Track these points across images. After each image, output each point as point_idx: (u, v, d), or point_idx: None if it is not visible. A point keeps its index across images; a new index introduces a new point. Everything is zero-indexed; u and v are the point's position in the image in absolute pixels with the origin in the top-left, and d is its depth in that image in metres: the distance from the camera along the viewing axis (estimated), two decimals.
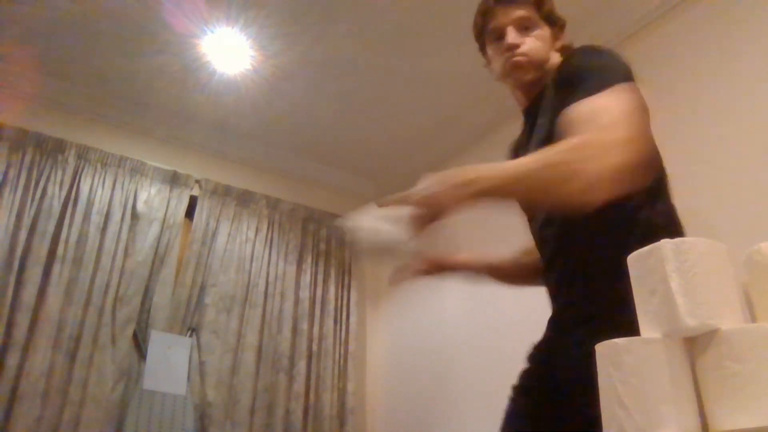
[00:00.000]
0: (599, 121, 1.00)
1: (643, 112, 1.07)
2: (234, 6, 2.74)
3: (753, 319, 0.76)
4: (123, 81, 3.24)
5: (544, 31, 1.33)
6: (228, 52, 3.00)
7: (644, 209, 1.12)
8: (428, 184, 0.99)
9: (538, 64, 1.31)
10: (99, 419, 2.80)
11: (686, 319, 0.70)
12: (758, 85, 2.14)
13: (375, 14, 2.78)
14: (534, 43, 1.30)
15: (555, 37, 1.35)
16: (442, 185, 0.97)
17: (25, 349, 2.72)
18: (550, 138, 1.11)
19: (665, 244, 0.74)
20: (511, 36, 1.28)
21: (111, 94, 3.34)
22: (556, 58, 1.34)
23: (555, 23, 1.36)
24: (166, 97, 3.36)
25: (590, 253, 1.14)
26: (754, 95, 2.14)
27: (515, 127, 1.51)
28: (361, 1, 2.71)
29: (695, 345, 0.72)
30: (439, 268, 1.40)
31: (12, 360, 2.67)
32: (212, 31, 2.88)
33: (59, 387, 2.77)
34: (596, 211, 0.98)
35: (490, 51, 1.37)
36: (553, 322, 1.27)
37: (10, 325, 2.73)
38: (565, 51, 1.37)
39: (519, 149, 1.45)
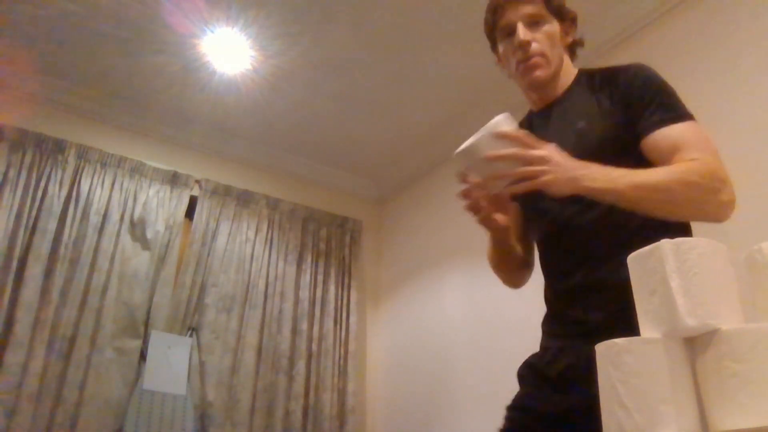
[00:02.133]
0: (709, 150, 1.13)
1: None
2: (234, 6, 2.74)
3: (753, 319, 0.76)
4: (123, 81, 3.24)
5: (554, 27, 1.32)
6: (228, 52, 3.00)
7: None
8: (554, 152, 1.09)
9: (552, 62, 1.30)
10: (99, 419, 2.79)
11: (686, 319, 0.70)
12: (759, 85, 2.13)
13: (375, 14, 2.77)
14: (545, 41, 1.29)
15: (566, 32, 1.35)
16: (566, 164, 1.08)
17: (29, 349, 2.72)
18: (593, 133, 1.23)
19: (665, 244, 0.74)
20: (522, 32, 1.27)
21: (111, 94, 3.34)
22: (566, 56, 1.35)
23: (566, 17, 1.34)
24: (166, 97, 3.35)
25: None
26: (754, 95, 2.14)
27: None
28: (360, 1, 2.71)
29: (695, 345, 0.72)
30: (495, 208, 1.24)
31: (13, 358, 2.67)
32: (212, 31, 2.88)
33: (58, 387, 2.76)
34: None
35: (501, 48, 1.36)
36: (580, 330, 1.17)
37: (9, 324, 2.73)
38: (577, 46, 1.38)
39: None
